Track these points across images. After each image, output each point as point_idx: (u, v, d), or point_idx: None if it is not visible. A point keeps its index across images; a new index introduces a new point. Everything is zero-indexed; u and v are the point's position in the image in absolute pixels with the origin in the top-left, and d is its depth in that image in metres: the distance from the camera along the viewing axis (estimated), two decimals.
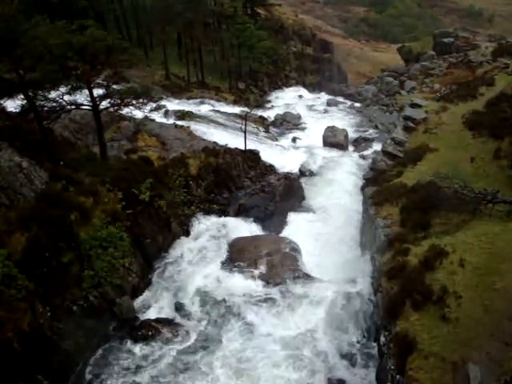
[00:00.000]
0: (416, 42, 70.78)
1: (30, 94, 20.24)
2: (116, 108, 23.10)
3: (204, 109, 41.68)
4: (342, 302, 18.72)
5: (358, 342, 17.24)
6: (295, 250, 22.84)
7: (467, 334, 13.01)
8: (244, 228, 25.27)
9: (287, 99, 56.31)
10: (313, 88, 65.87)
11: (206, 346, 17.30)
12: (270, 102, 54.99)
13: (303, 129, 41.89)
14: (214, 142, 31.02)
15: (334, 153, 34.91)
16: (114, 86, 23.09)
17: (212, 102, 45.68)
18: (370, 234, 21.28)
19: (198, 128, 34.18)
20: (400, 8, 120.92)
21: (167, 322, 18.33)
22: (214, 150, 29.23)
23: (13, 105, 21.55)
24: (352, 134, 38.37)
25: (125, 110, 23.79)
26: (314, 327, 17.66)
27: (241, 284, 20.60)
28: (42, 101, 21.02)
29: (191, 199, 25.69)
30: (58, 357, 15.70)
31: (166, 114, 35.62)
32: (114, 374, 16.15)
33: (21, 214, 16.61)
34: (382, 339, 15.59)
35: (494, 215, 18.00)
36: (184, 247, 23.11)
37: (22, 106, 21.01)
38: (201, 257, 22.51)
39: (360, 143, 36.90)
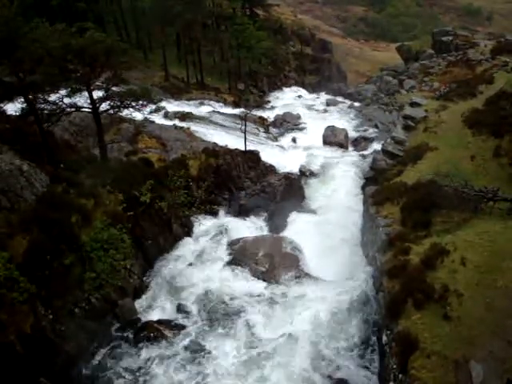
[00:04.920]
0: (415, 40, 70.69)
1: (30, 96, 20.29)
2: (116, 110, 23.11)
3: (204, 110, 41.63)
4: (343, 301, 18.71)
5: (360, 342, 17.23)
6: (296, 249, 22.87)
7: (469, 332, 13.02)
8: (245, 228, 25.30)
9: (287, 99, 56.20)
10: (312, 88, 65.69)
11: (208, 346, 17.31)
12: (269, 102, 54.89)
13: (303, 129, 41.75)
14: (214, 143, 31.02)
15: (334, 152, 34.85)
16: (114, 88, 23.08)
17: (212, 102, 45.62)
18: (371, 233, 21.29)
19: (198, 129, 34.20)
20: (399, 7, 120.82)
21: (169, 323, 18.37)
22: (214, 151, 29.24)
23: (13, 108, 21.58)
24: (352, 134, 38.29)
25: (125, 112, 23.80)
26: (316, 327, 17.65)
27: (242, 284, 20.64)
28: (42, 103, 21.06)
29: (192, 200, 25.71)
30: (61, 359, 15.76)
31: (166, 115, 35.61)
32: (116, 375, 16.17)
33: (22, 216, 16.66)
34: (384, 338, 15.59)
35: (494, 213, 18.01)
36: (185, 248, 23.15)
37: (22, 109, 21.03)
38: (202, 257, 22.53)
39: (360, 142, 36.83)
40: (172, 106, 38.96)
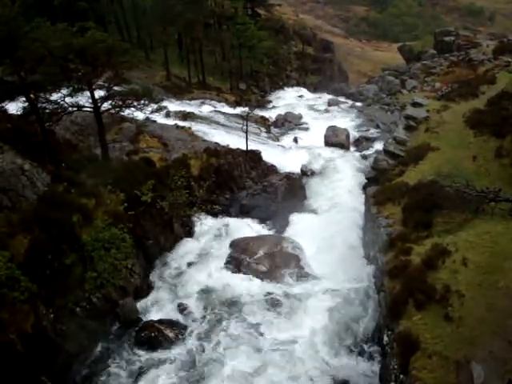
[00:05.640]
0: (417, 40, 70.69)
1: (32, 96, 20.30)
2: (117, 109, 23.12)
3: (205, 109, 41.66)
4: (344, 301, 18.71)
5: (361, 342, 17.22)
6: (297, 249, 22.85)
7: (470, 332, 12.98)
8: (246, 228, 25.29)
9: (288, 99, 56.20)
10: (314, 88, 65.70)
11: (209, 346, 17.29)
12: (271, 102, 54.93)
13: (304, 129, 41.79)
14: (216, 143, 31.00)
15: (336, 152, 34.84)
16: (115, 88, 23.10)
17: (213, 102, 45.64)
18: (372, 233, 21.25)
19: (200, 129, 34.20)
20: (400, 7, 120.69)
21: (170, 323, 18.34)
22: (216, 151, 29.22)
23: (14, 107, 21.60)
24: (353, 134, 38.28)
25: (126, 112, 23.79)
26: (317, 327, 17.63)
27: (243, 284, 20.61)
28: (44, 103, 21.08)
29: (193, 200, 25.69)
30: (62, 358, 15.76)
31: (168, 115, 35.62)
32: (117, 375, 16.17)
33: (23, 216, 16.67)
34: (385, 339, 15.55)
35: (496, 214, 17.94)
36: (186, 248, 23.16)
37: (24, 109, 21.06)
38: (203, 257, 22.54)
39: (361, 143, 36.84)
40: (173, 106, 38.95)
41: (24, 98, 20.48)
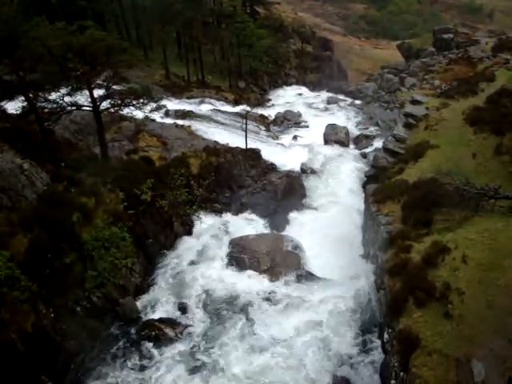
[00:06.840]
0: (416, 38, 70.51)
1: (31, 95, 20.28)
2: (116, 108, 23.13)
3: (204, 108, 41.64)
4: (344, 300, 18.72)
5: (362, 340, 17.22)
6: (297, 248, 22.88)
7: (470, 330, 13.00)
8: (246, 227, 25.30)
9: (288, 97, 56.16)
10: (313, 86, 65.60)
11: (210, 345, 17.31)
12: (270, 100, 54.91)
13: (304, 127, 41.81)
14: (215, 141, 31.01)
15: (335, 150, 34.84)
16: (115, 87, 23.10)
17: (212, 101, 45.58)
18: (372, 231, 21.27)
19: (199, 127, 34.21)
20: (400, 5, 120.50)
21: (170, 322, 18.35)
22: (215, 149, 29.24)
23: (13, 106, 21.58)
24: (353, 132, 38.32)
25: (125, 111, 23.82)
26: (318, 326, 17.65)
27: (243, 283, 20.63)
28: (43, 102, 21.07)
29: (193, 198, 25.68)
30: (62, 357, 15.76)
31: (167, 113, 35.61)
32: (117, 374, 16.17)
33: (23, 215, 16.66)
34: (386, 336, 15.59)
35: (495, 211, 17.95)
36: (186, 246, 23.16)
37: (23, 108, 21.04)
38: (203, 256, 22.54)
39: (361, 140, 36.84)
40: (173, 105, 38.92)
41: (23, 98, 20.46)
